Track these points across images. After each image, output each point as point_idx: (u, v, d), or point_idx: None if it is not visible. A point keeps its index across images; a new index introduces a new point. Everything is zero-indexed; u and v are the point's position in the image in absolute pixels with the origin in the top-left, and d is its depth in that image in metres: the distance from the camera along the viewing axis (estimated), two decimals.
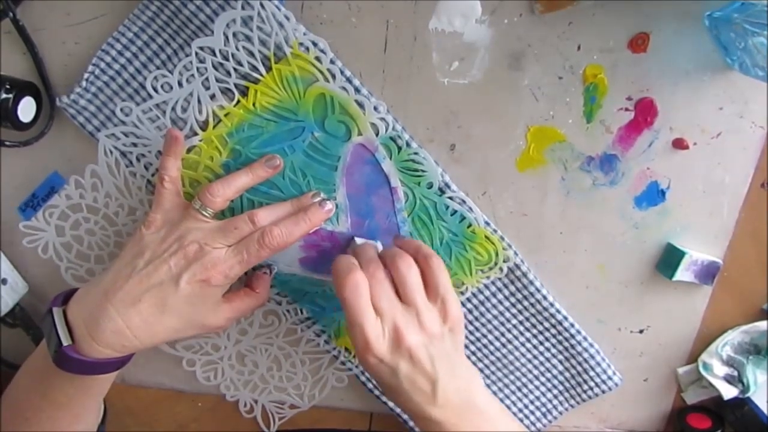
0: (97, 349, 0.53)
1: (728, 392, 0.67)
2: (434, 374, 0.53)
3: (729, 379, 0.68)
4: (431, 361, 0.53)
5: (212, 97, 0.59)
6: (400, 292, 0.54)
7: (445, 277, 0.56)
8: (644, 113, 0.60)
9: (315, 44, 0.57)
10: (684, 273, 0.63)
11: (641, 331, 0.69)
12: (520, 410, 0.72)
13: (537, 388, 0.71)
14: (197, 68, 0.58)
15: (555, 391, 0.71)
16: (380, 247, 0.61)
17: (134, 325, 0.53)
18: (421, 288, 0.55)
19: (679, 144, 0.61)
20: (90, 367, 0.54)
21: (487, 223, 0.63)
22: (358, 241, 0.62)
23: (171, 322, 0.54)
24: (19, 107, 0.59)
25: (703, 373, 0.68)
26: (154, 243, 0.55)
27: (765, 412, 0.67)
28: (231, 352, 0.72)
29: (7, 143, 0.61)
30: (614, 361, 0.69)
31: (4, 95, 0.58)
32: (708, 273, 0.64)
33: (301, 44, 0.57)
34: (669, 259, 0.64)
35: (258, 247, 0.54)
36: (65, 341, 0.53)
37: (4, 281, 0.67)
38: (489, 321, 0.67)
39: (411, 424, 0.72)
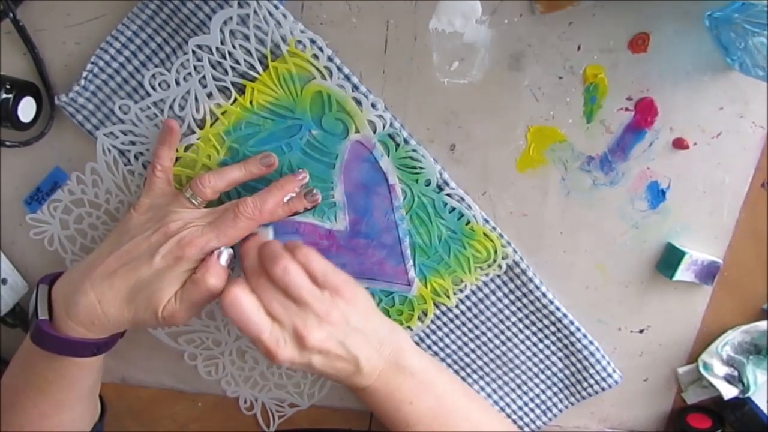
0: (71, 325, 0.54)
1: (728, 392, 0.67)
2: (353, 355, 0.54)
3: (729, 379, 0.67)
4: (343, 347, 0.54)
5: (209, 95, 0.59)
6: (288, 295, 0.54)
7: (316, 260, 0.55)
8: (644, 113, 0.60)
9: (312, 42, 0.57)
10: (684, 273, 0.63)
11: (641, 331, 0.69)
12: (520, 408, 0.72)
13: (536, 386, 0.71)
14: (194, 66, 0.58)
15: (554, 389, 0.71)
16: (270, 233, 0.59)
17: (105, 300, 0.53)
18: (305, 281, 0.53)
19: (679, 144, 0.61)
20: (62, 345, 0.54)
21: (486, 221, 0.63)
22: None
23: (138, 300, 0.54)
24: (20, 107, 0.59)
25: (704, 372, 0.68)
26: (140, 223, 0.56)
27: (765, 412, 0.67)
28: (232, 348, 0.72)
29: (7, 143, 0.62)
30: (614, 361, 0.69)
31: (4, 95, 0.58)
32: (708, 273, 0.64)
33: (298, 42, 0.57)
34: (669, 259, 0.64)
35: (233, 215, 0.54)
36: (41, 315, 0.54)
37: (4, 281, 0.68)
38: (488, 318, 0.67)
39: None
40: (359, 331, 0.55)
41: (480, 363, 0.70)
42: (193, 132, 0.60)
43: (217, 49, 0.58)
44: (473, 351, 0.69)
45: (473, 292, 0.66)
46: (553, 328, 0.68)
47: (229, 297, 0.52)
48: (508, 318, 0.67)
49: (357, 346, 0.55)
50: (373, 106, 0.59)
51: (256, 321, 0.52)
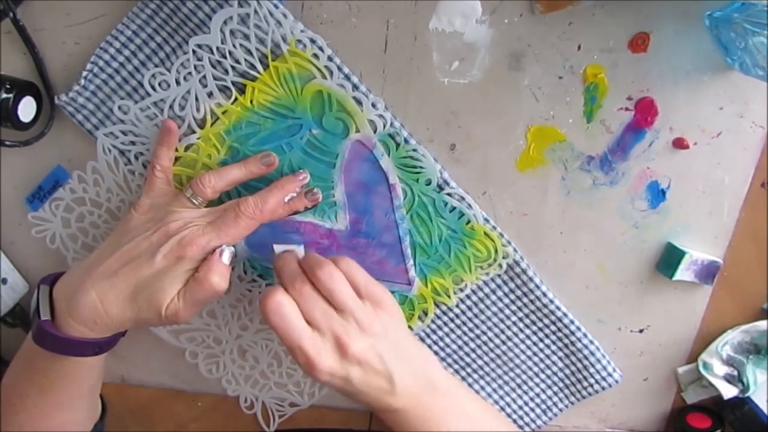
0: (73, 325, 0.54)
1: (728, 392, 0.67)
2: (388, 371, 0.53)
3: (729, 379, 0.67)
4: (382, 361, 0.53)
5: (210, 94, 0.59)
6: (330, 301, 0.53)
7: (359, 271, 0.55)
8: (644, 113, 0.60)
9: (313, 41, 0.57)
10: (684, 273, 0.63)
11: (641, 331, 0.69)
12: (520, 407, 0.72)
13: (537, 385, 0.71)
14: (195, 66, 0.58)
15: (555, 388, 0.71)
16: (302, 251, 0.59)
17: (107, 300, 0.53)
18: (350, 290, 0.54)
19: (679, 144, 0.61)
20: (65, 345, 0.54)
21: (487, 220, 0.63)
22: (277, 249, 0.59)
23: (140, 299, 0.54)
24: (20, 107, 0.59)
25: (703, 372, 0.68)
26: (141, 223, 0.56)
27: (765, 411, 0.67)
28: (232, 346, 0.72)
29: (7, 143, 0.62)
30: (614, 361, 0.69)
31: (4, 95, 0.58)
32: (708, 273, 0.64)
33: (298, 41, 0.57)
34: (669, 259, 0.64)
35: (234, 215, 0.54)
36: (44, 316, 0.54)
37: (4, 281, 0.68)
38: (488, 318, 0.67)
39: None
40: (396, 346, 0.55)
41: (480, 362, 0.70)
42: (194, 131, 0.60)
43: (217, 48, 0.58)
44: (473, 351, 0.69)
45: (473, 292, 0.66)
46: (553, 328, 0.68)
47: (272, 303, 0.51)
48: (508, 317, 0.67)
49: (393, 362, 0.54)
50: (374, 105, 0.59)
51: (299, 327, 0.51)
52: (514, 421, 0.73)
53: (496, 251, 0.64)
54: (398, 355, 0.54)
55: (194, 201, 0.57)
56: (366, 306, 0.54)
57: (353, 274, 0.55)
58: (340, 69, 0.58)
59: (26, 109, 0.60)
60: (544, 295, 0.66)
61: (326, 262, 0.54)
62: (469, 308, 0.67)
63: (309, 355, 0.51)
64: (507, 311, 0.67)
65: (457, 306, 0.67)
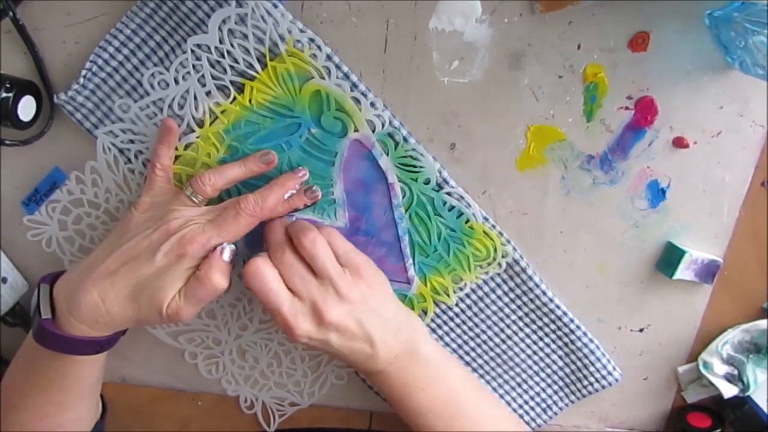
0: (74, 324, 0.54)
1: (728, 391, 0.67)
2: (369, 336, 0.56)
3: (729, 378, 0.67)
4: (361, 326, 0.56)
5: (209, 94, 0.59)
6: (312, 267, 0.55)
7: (339, 239, 0.58)
8: (644, 112, 0.60)
9: (311, 40, 0.57)
10: (684, 272, 0.63)
11: (641, 330, 0.69)
12: (521, 406, 0.72)
13: (537, 383, 0.71)
14: (193, 65, 0.58)
15: (555, 387, 0.71)
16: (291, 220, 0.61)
17: (108, 299, 0.53)
18: (331, 257, 0.56)
19: (679, 143, 0.61)
20: (66, 344, 0.54)
21: (486, 219, 0.63)
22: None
23: (142, 298, 0.54)
24: (19, 106, 0.59)
25: (703, 371, 0.68)
26: (141, 222, 0.56)
27: (765, 410, 0.67)
28: (232, 347, 0.72)
29: (7, 142, 0.62)
30: (614, 360, 0.69)
31: (4, 94, 0.58)
32: (708, 272, 0.64)
33: (297, 41, 0.57)
34: (669, 258, 0.64)
35: (235, 212, 0.55)
36: (44, 314, 0.54)
37: (4, 280, 0.68)
38: (488, 317, 0.67)
39: None
40: (377, 313, 0.57)
41: (480, 361, 0.70)
42: (193, 131, 0.60)
43: (215, 47, 0.58)
44: (473, 350, 0.69)
45: (473, 291, 0.66)
46: (552, 326, 0.68)
47: (252, 267, 0.54)
48: (507, 316, 0.67)
49: (374, 327, 0.56)
50: (372, 105, 0.59)
51: (277, 292, 0.54)
52: None
53: (495, 250, 0.64)
54: (379, 321, 0.57)
55: (194, 199, 0.57)
56: (345, 274, 0.56)
57: (333, 242, 0.57)
58: (338, 68, 0.58)
59: (26, 109, 0.60)
60: (544, 293, 0.66)
61: (311, 228, 0.56)
62: (469, 307, 0.67)
63: (287, 319, 0.54)
64: (506, 310, 0.67)
65: (457, 305, 0.67)
